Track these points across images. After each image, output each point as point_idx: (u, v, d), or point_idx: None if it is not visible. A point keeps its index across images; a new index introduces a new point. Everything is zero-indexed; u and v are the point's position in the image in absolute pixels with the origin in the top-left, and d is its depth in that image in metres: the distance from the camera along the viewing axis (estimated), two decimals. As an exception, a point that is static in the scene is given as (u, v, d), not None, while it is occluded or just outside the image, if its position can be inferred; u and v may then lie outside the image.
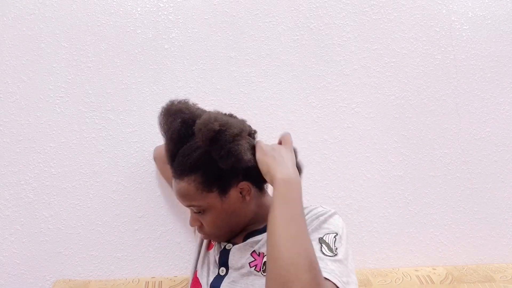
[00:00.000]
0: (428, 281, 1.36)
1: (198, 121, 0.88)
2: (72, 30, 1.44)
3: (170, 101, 0.97)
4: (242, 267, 0.91)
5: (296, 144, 1.50)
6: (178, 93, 1.45)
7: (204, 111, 0.95)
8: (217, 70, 1.47)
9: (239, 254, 0.93)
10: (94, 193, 1.42)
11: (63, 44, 1.44)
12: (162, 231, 1.43)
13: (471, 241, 1.53)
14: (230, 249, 0.95)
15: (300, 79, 1.50)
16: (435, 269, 1.42)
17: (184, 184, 0.89)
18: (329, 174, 1.49)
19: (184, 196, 0.91)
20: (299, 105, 1.49)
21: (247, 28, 1.49)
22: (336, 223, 0.89)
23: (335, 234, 0.86)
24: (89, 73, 1.44)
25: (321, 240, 0.84)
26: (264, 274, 0.87)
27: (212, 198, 0.90)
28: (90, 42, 1.44)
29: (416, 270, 1.41)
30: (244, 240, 0.95)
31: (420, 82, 1.53)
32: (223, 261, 0.95)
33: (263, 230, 0.93)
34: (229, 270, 0.93)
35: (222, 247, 0.97)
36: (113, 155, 1.43)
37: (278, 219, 0.77)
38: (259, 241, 0.92)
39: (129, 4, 1.46)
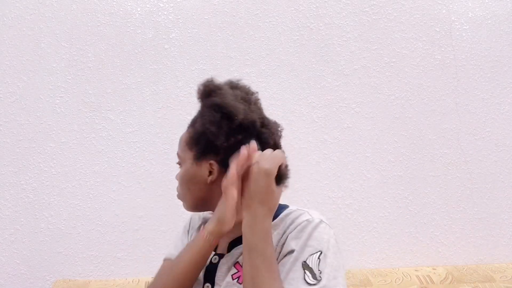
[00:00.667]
0: (428, 281, 1.36)
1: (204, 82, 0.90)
2: (72, 30, 1.44)
3: (235, 82, 0.98)
4: (225, 281, 0.89)
5: (296, 144, 1.51)
6: (178, 93, 1.45)
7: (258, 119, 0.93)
8: (217, 70, 1.47)
9: (226, 268, 0.89)
10: (94, 193, 1.42)
11: (63, 44, 1.44)
12: (162, 231, 1.43)
13: (471, 241, 1.53)
14: (217, 263, 0.90)
15: (300, 79, 1.50)
16: (435, 269, 1.42)
17: (185, 132, 0.93)
18: (329, 174, 1.49)
19: (180, 141, 0.94)
20: (299, 105, 1.49)
21: (247, 28, 1.49)
22: (321, 237, 0.84)
23: (319, 253, 0.82)
24: (89, 73, 1.44)
25: (304, 266, 0.81)
26: None
27: (188, 156, 0.91)
28: (90, 42, 1.44)
29: (416, 270, 1.41)
30: (229, 248, 0.91)
31: (420, 82, 1.53)
32: (209, 277, 0.90)
33: None
34: (215, 286, 0.89)
35: (208, 262, 0.91)
36: (113, 155, 1.43)
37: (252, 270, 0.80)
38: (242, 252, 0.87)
39: (129, 4, 1.46)
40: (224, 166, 0.87)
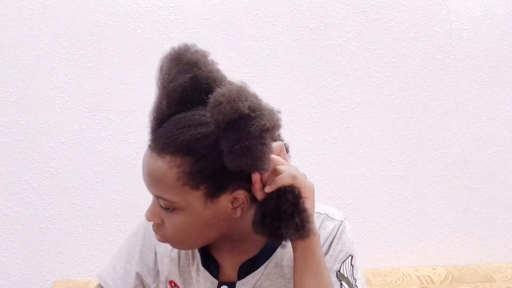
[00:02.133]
0: (428, 281, 1.36)
1: (220, 90, 0.62)
2: (72, 30, 1.44)
3: (185, 45, 0.69)
4: None
5: (296, 144, 1.51)
6: (178, 93, 1.45)
7: (225, 78, 0.70)
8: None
9: None
10: (94, 193, 1.42)
11: (63, 44, 1.44)
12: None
13: (471, 241, 1.53)
14: None
15: (300, 79, 1.50)
16: (435, 269, 1.42)
17: (163, 164, 0.63)
18: (329, 174, 1.49)
19: (156, 181, 0.65)
20: (299, 105, 1.49)
21: (247, 28, 1.49)
22: (348, 239, 0.75)
23: (350, 257, 0.73)
24: (89, 73, 1.44)
25: (339, 276, 0.71)
26: None
27: (194, 198, 0.64)
28: (90, 42, 1.44)
29: (416, 270, 1.41)
30: (240, 274, 0.74)
31: (420, 82, 1.53)
32: None
33: (262, 259, 0.74)
34: None
35: None
36: (113, 155, 1.43)
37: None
38: (260, 276, 0.73)
39: (129, 4, 1.46)
40: (246, 186, 0.65)
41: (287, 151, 0.73)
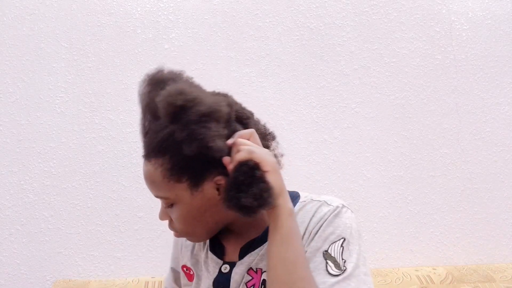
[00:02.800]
0: (428, 281, 1.36)
1: (161, 92, 0.72)
2: (72, 30, 1.44)
3: (158, 69, 0.80)
4: None
5: (296, 144, 1.51)
6: (178, 93, 1.45)
7: (195, 87, 0.80)
8: (217, 70, 1.47)
9: (239, 277, 0.80)
10: (94, 193, 1.42)
11: (63, 44, 1.44)
12: (162, 231, 1.43)
13: (471, 241, 1.53)
14: (227, 272, 0.81)
15: (300, 79, 1.50)
16: (435, 269, 1.42)
17: (151, 167, 0.76)
18: (329, 174, 1.49)
19: (151, 183, 0.78)
20: (299, 105, 1.49)
21: (247, 28, 1.49)
22: (343, 222, 0.77)
23: (342, 240, 0.75)
24: (89, 73, 1.44)
25: (326, 255, 0.74)
26: None
27: (181, 190, 0.75)
28: (90, 42, 1.44)
29: (416, 270, 1.41)
30: (241, 255, 0.82)
31: (420, 82, 1.53)
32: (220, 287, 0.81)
33: (259, 241, 0.81)
34: None
35: (217, 271, 0.82)
36: (113, 155, 1.43)
37: (280, 260, 0.72)
38: (256, 256, 0.80)
39: (129, 4, 1.46)
40: (226, 172, 0.74)
41: (273, 139, 0.85)
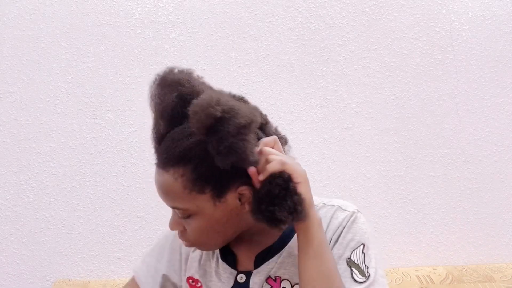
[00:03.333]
0: (428, 281, 1.36)
1: (194, 101, 0.68)
2: (72, 30, 1.44)
3: (169, 68, 0.77)
4: None
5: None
6: (178, 93, 1.45)
7: (210, 88, 0.78)
8: (217, 70, 1.47)
9: (257, 287, 0.78)
10: (94, 193, 1.42)
11: (63, 44, 1.44)
12: (162, 231, 1.43)
13: (471, 241, 1.53)
14: (244, 282, 0.79)
15: (300, 79, 1.50)
16: (435, 269, 1.42)
17: (168, 177, 0.71)
18: (329, 174, 1.49)
19: (167, 194, 0.73)
20: (299, 105, 1.49)
21: (247, 28, 1.49)
22: (361, 228, 0.78)
23: (362, 246, 0.76)
24: (89, 73, 1.44)
25: (350, 262, 0.75)
26: None
27: (203, 201, 0.71)
28: (90, 42, 1.44)
29: (416, 270, 1.41)
30: (256, 263, 0.80)
31: (420, 82, 1.53)
32: None
33: (276, 249, 0.80)
34: None
35: (232, 281, 0.80)
36: (113, 155, 1.43)
37: (315, 274, 0.71)
38: (275, 264, 0.79)
39: (129, 4, 1.46)
40: (250, 180, 0.71)
41: (286, 143, 0.81)
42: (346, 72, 1.51)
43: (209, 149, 0.68)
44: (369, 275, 0.75)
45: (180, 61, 1.46)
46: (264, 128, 0.78)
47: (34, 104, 1.42)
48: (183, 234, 0.78)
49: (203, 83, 0.78)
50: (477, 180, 1.53)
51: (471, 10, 1.56)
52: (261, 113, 0.77)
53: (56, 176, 1.41)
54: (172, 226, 0.78)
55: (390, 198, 1.51)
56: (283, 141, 0.81)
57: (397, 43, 1.53)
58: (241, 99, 0.79)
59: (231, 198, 0.72)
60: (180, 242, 0.83)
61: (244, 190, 0.72)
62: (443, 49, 1.54)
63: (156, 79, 0.75)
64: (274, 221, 0.68)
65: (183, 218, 0.75)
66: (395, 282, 1.36)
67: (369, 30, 1.53)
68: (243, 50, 1.49)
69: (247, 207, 0.72)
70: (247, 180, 0.71)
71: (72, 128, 1.43)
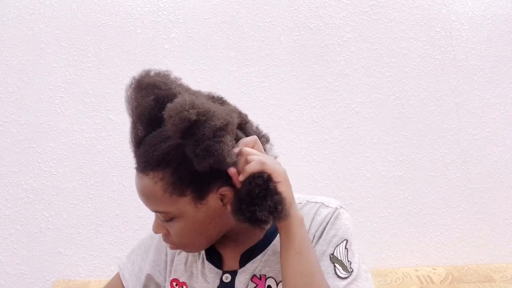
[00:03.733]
0: (428, 281, 1.36)
1: (169, 105, 0.68)
2: (72, 30, 1.44)
3: (145, 71, 0.75)
4: None
5: (296, 144, 1.51)
6: (178, 93, 1.45)
7: (187, 90, 0.77)
8: (217, 70, 1.47)
9: (243, 286, 0.79)
10: (94, 193, 1.42)
11: (63, 44, 1.44)
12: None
13: (471, 241, 1.53)
14: (230, 281, 0.79)
15: (300, 79, 1.50)
16: (435, 269, 1.42)
17: (148, 181, 0.71)
18: (329, 174, 1.49)
19: (148, 198, 0.73)
20: (299, 105, 1.49)
21: (247, 28, 1.49)
22: (344, 224, 0.78)
23: (345, 241, 0.77)
24: (89, 73, 1.44)
25: (333, 258, 0.76)
26: None
27: (184, 204, 0.71)
28: (90, 42, 1.44)
29: (416, 270, 1.41)
30: (241, 262, 0.80)
31: (420, 82, 1.53)
32: None
33: (260, 247, 0.80)
34: None
35: (218, 281, 0.80)
36: (113, 155, 1.43)
37: (297, 271, 0.71)
38: (259, 263, 0.80)
39: (129, 4, 1.46)
40: (229, 182, 0.71)
41: (267, 141, 0.81)
42: (346, 72, 1.51)
43: (186, 152, 0.68)
44: (352, 271, 0.76)
45: (180, 61, 1.46)
46: (244, 127, 0.78)
47: (34, 104, 1.42)
48: (167, 237, 0.77)
49: (181, 85, 0.77)
50: (477, 180, 1.53)
51: (471, 10, 1.56)
52: (240, 113, 0.77)
53: (56, 176, 1.41)
54: (156, 229, 0.77)
55: (390, 198, 1.51)
56: (264, 139, 0.81)
57: (397, 43, 1.53)
58: (220, 100, 0.78)
59: (212, 199, 0.72)
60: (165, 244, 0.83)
61: (226, 191, 0.72)
62: (443, 49, 1.54)
63: (132, 82, 0.75)
64: (255, 221, 0.69)
65: (165, 221, 0.74)
66: (395, 282, 1.36)
67: (369, 30, 1.53)
68: (243, 50, 1.49)
69: (229, 207, 0.72)
70: (228, 180, 0.71)
71: (72, 128, 1.43)
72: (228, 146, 0.68)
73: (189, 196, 0.71)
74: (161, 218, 0.75)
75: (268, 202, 0.68)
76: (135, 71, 1.45)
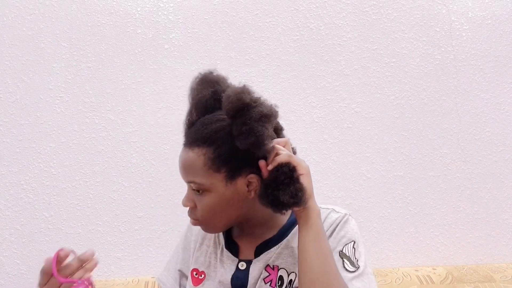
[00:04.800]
0: (428, 281, 1.37)
1: (229, 89, 0.81)
2: (72, 30, 1.44)
3: (209, 70, 0.90)
4: (257, 286, 0.88)
5: (296, 144, 1.51)
6: (178, 93, 1.45)
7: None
8: (217, 70, 1.47)
9: (257, 273, 0.87)
10: (94, 193, 1.42)
11: (63, 44, 1.44)
12: (162, 231, 1.43)
13: (471, 241, 1.53)
14: (245, 269, 0.88)
15: (300, 79, 1.50)
16: (435, 269, 1.42)
17: (193, 154, 0.81)
18: (329, 174, 1.49)
19: (188, 168, 0.83)
20: (299, 105, 1.49)
21: (247, 28, 1.49)
22: (352, 228, 0.88)
23: (353, 242, 0.86)
24: (89, 73, 1.44)
25: (342, 254, 0.85)
26: None
27: (217, 180, 0.81)
28: (90, 42, 1.44)
29: (416, 270, 1.41)
30: (256, 253, 0.89)
31: (420, 82, 1.53)
32: (238, 283, 0.88)
33: (275, 241, 0.89)
34: None
35: (234, 268, 0.89)
36: (113, 155, 1.43)
37: (314, 254, 0.79)
38: (273, 254, 0.88)
39: (129, 4, 1.46)
40: (259, 172, 0.82)
41: (294, 152, 0.89)
42: (346, 72, 1.51)
43: (232, 131, 0.79)
44: (359, 267, 0.84)
45: (180, 61, 1.46)
46: (280, 133, 0.89)
47: (34, 104, 1.42)
48: (192, 212, 0.86)
49: (235, 85, 0.88)
50: (477, 180, 1.54)
51: (471, 10, 1.56)
52: (278, 121, 0.88)
53: (56, 176, 1.41)
54: (185, 202, 0.86)
55: (390, 198, 1.51)
56: (293, 150, 0.90)
57: (397, 43, 1.53)
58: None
59: (241, 182, 0.82)
60: (191, 239, 0.97)
61: (253, 178, 0.82)
62: (443, 49, 1.54)
63: (198, 76, 0.88)
64: (277, 205, 0.78)
65: (197, 193, 0.84)
66: (395, 282, 1.36)
67: (369, 30, 1.53)
68: (243, 50, 1.49)
69: (252, 194, 0.83)
70: (257, 171, 0.81)
71: (72, 128, 1.43)
72: (268, 132, 0.79)
73: (223, 173, 0.81)
74: (193, 187, 0.83)
75: (291, 188, 0.77)
76: (135, 71, 1.46)
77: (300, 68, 1.50)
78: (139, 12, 1.46)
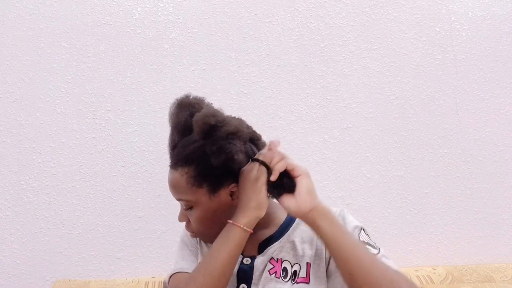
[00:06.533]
0: (428, 281, 1.37)
1: (197, 114, 0.89)
2: (72, 30, 1.44)
3: (185, 95, 0.98)
4: (262, 277, 0.93)
5: (296, 144, 1.51)
6: (178, 93, 1.44)
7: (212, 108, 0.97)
8: (217, 70, 1.47)
9: (262, 267, 0.93)
10: (94, 193, 1.42)
11: (63, 44, 1.44)
12: (162, 231, 1.43)
13: (471, 241, 1.53)
14: (249, 264, 0.93)
15: (300, 79, 1.50)
16: (435, 269, 1.42)
17: (177, 174, 0.90)
18: (329, 174, 1.49)
19: (175, 187, 0.92)
20: (299, 105, 1.49)
21: (247, 28, 1.49)
22: (353, 219, 0.95)
23: (361, 228, 0.93)
24: (89, 73, 1.44)
25: (362, 242, 0.90)
26: (285, 279, 0.91)
27: (201, 194, 0.90)
28: (90, 42, 1.44)
29: (416, 270, 1.41)
30: (260, 250, 0.95)
31: (420, 82, 1.53)
32: (244, 277, 0.93)
33: (276, 237, 0.94)
34: (252, 286, 0.92)
35: (239, 263, 0.93)
36: (113, 155, 1.43)
37: (350, 243, 0.84)
38: (276, 248, 0.94)
39: (129, 4, 1.46)
40: (238, 180, 0.89)
41: (257, 144, 0.94)
42: (346, 72, 1.51)
43: (206, 150, 0.86)
44: (379, 248, 0.90)
45: (180, 61, 1.46)
46: (257, 143, 0.94)
47: (34, 104, 1.42)
48: (188, 225, 0.96)
49: (213, 107, 0.96)
50: (477, 180, 1.54)
51: (471, 10, 1.56)
52: (254, 131, 0.94)
53: (56, 176, 1.42)
54: (180, 218, 0.96)
55: (390, 198, 1.51)
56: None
57: (397, 43, 1.53)
58: (239, 119, 0.93)
59: (223, 193, 0.90)
60: (190, 242, 1.02)
61: (234, 187, 0.90)
62: (443, 49, 1.54)
63: (175, 101, 0.97)
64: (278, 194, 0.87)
65: (186, 209, 0.92)
66: (395, 282, 1.36)
67: (369, 30, 1.53)
68: (243, 50, 1.49)
69: (237, 201, 0.89)
70: (236, 179, 0.89)
71: (72, 128, 1.43)
72: (237, 148, 0.85)
73: (205, 188, 0.89)
74: (184, 206, 0.93)
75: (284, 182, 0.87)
76: (135, 71, 1.46)
77: (300, 68, 1.50)
78: (139, 12, 1.46)
